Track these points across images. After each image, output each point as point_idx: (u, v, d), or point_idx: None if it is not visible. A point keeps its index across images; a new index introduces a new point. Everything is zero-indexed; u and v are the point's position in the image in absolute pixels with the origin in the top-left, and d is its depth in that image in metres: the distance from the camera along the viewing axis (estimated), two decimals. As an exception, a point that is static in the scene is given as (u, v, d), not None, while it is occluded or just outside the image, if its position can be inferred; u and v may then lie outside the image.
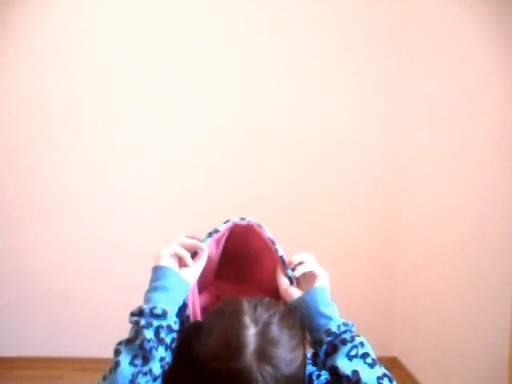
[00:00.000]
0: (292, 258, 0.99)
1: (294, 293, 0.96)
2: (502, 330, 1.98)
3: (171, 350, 0.87)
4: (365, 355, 0.88)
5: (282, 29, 2.88)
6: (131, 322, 0.87)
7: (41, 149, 2.86)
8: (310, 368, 0.94)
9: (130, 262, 2.90)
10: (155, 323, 0.86)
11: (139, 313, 0.88)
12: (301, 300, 0.94)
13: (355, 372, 0.86)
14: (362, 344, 0.89)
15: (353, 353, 0.88)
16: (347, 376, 0.85)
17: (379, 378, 0.86)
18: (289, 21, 2.88)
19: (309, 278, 0.98)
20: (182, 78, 2.88)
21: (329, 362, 0.89)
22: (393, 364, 3.00)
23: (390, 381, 0.88)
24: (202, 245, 0.96)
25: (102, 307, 2.93)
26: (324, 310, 0.92)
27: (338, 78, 2.92)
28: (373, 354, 0.89)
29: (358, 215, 2.99)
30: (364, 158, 2.97)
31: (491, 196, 2.12)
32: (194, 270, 0.95)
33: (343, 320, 0.92)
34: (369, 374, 0.86)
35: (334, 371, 0.87)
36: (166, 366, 0.86)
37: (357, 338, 0.90)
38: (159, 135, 2.91)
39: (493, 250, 2.09)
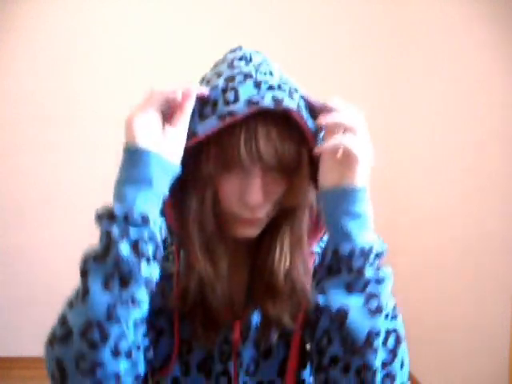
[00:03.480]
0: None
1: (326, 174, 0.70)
2: (502, 330, 1.98)
3: (158, 261, 0.65)
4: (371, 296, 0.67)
5: (282, 30, 2.88)
6: (98, 226, 0.64)
7: (41, 149, 2.86)
8: None
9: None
10: (132, 234, 0.62)
11: (109, 215, 0.62)
12: (321, 198, 0.72)
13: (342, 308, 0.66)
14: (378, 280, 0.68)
15: (357, 286, 0.67)
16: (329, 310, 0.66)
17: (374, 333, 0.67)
18: (289, 21, 2.88)
19: (341, 156, 0.68)
20: (184, 80, 2.88)
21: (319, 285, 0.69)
22: (393, 364, 3.00)
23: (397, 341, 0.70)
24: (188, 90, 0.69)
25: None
26: (349, 227, 0.70)
27: (338, 78, 2.92)
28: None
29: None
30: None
31: (491, 196, 2.12)
32: (179, 134, 0.67)
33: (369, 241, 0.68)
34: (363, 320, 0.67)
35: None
36: (155, 285, 0.64)
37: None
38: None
39: (493, 250, 2.10)
